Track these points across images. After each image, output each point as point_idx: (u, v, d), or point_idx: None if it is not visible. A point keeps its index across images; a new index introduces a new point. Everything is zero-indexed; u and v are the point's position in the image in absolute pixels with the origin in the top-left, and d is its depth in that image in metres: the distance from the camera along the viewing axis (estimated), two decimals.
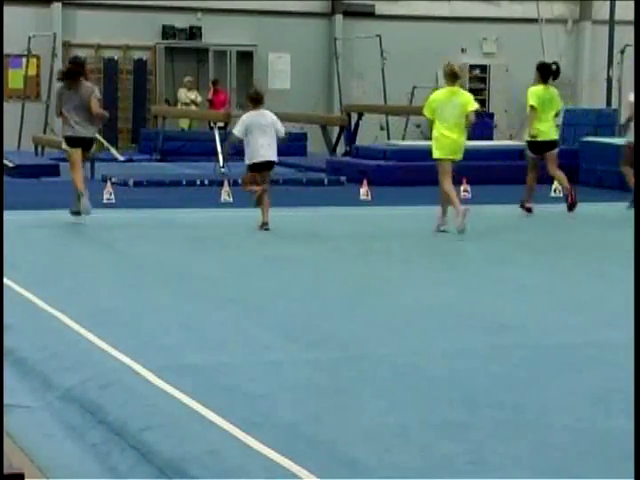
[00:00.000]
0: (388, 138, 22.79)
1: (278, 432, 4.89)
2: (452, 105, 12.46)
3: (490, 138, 23.69)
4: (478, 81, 26.86)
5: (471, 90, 26.59)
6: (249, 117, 12.24)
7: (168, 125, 23.22)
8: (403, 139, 23.22)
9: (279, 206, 14.53)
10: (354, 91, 25.54)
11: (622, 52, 24.01)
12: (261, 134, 12.09)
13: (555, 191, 16.08)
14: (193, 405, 5.30)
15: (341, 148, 22.38)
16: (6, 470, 3.36)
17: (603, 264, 10.33)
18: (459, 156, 12.60)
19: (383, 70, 24.04)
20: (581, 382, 5.87)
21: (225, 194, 14.88)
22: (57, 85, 13.37)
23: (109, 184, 14.81)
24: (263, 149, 12.13)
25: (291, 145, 23.02)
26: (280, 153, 21.13)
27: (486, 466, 4.53)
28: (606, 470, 4.50)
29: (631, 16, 24.95)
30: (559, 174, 14.39)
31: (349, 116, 22.79)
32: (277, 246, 11.23)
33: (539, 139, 14.07)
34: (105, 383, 5.73)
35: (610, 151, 17.78)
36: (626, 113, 15.72)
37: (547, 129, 14.11)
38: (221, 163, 18.69)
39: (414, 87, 24.95)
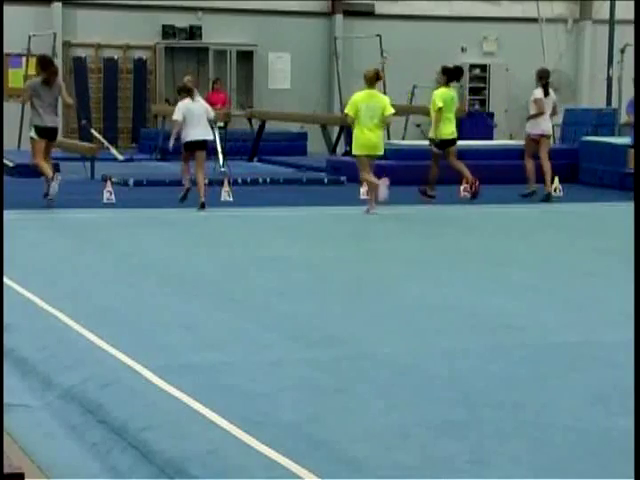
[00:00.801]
0: (388, 138, 22.77)
1: (278, 431, 4.89)
2: (371, 107, 13.88)
3: (490, 138, 23.69)
4: (478, 80, 26.84)
5: (471, 89, 26.82)
6: (185, 105, 14.06)
7: (168, 125, 23.14)
8: (403, 139, 23.22)
9: (280, 205, 14.58)
10: (354, 91, 25.48)
11: (622, 51, 24.00)
12: (195, 118, 13.94)
13: (556, 190, 16.09)
14: (193, 404, 5.30)
15: (341, 148, 22.35)
16: (6, 470, 3.36)
17: (603, 263, 10.32)
18: (377, 152, 14.15)
19: (383, 69, 23.99)
20: (580, 381, 5.87)
21: (225, 193, 14.88)
22: (34, 79, 14.33)
23: (109, 184, 14.78)
24: (196, 130, 13.97)
25: (291, 145, 23.11)
26: (280, 153, 21.12)
27: (485, 465, 4.53)
28: (605, 469, 4.50)
29: (631, 15, 24.94)
30: (460, 166, 15.40)
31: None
32: (277, 245, 11.23)
33: (447, 137, 15.23)
34: (105, 382, 5.73)
35: (610, 151, 17.80)
36: (532, 110, 15.86)
37: (453, 128, 15.38)
38: (221, 162, 18.68)
39: (414, 87, 24.96)
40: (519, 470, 4.47)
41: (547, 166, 15.64)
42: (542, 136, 15.84)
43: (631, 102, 15.97)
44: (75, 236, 11.80)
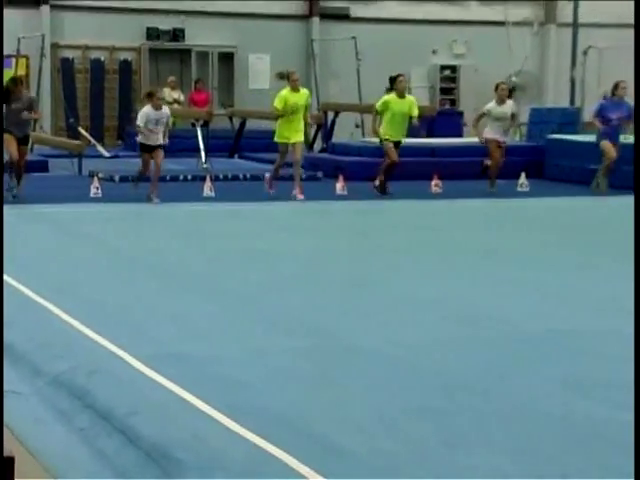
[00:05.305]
0: (363, 135, 22.75)
1: (261, 418, 4.85)
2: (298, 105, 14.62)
3: (460, 135, 23.68)
4: (449, 81, 26.83)
5: (442, 89, 26.81)
6: (148, 110, 14.07)
7: None
8: None
9: (260, 200, 14.53)
10: (330, 90, 25.43)
11: (585, 53, 24.07)
12: (155, 124, 14.04)
13: (522, 185, 16.11)
14: (179, 392, 5.26)
15: (318, 145, 22.33)
16: None
17: (584, 255, 10.29)
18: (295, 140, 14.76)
19: (358, 70, 23.98)
20: (555, 369, 5.83)
21: (207, 189, 14.82)
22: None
23: (96, 179, 14.75)
24: (155, 135, 14.05)
25: (270, 142, 22.99)
26: (260, 150, 21.10)
27: (462, 449, 4.51)
28: (577, 453, 4.48)
29: (594, 19, 25.06)
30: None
31: (326, 114, 22.77)
32: (259, 239, 11.17)
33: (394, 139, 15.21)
34: (93, 370, 5.68)
35: (574, 148, 17.83)
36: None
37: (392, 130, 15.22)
38: (203, 159, 18.61)
39: (387, 87, 24.91)
40: (494, 453, 4.44)
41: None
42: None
43: (601, 108, 15.88)
44: (63, 229, 11.72)
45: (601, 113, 15.63)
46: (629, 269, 9.34)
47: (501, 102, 15.81)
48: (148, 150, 14.20)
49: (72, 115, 22.69)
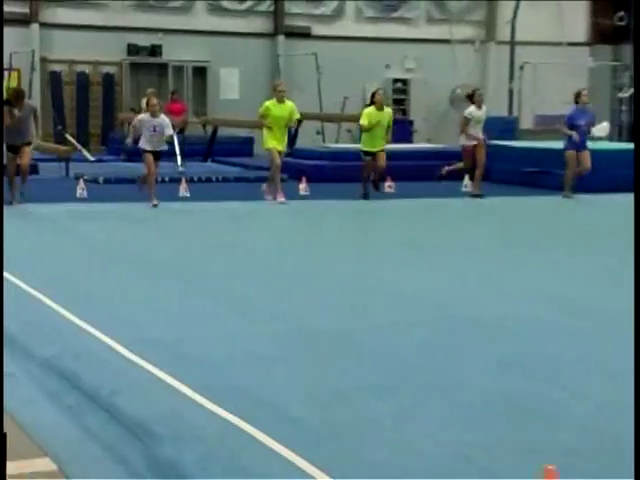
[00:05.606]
0: (323, 141, 22.77)
1: (230, 394, 4.87)
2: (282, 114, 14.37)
3: (410, 141, 23.77)
4: (400, 92, 26.87)
5: (394, 101, 26.81)
6: (145, 116, 13.79)
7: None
8: (336, 142, 23.19)
9: (230, 199, 14.50)
10: (295, 101, 25.43)
11: (521, 68, 24.21)
12: (153, 130, 13.61)
13: (465, 186, 16.18)
14: (157, 373, 5.26)
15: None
16: None
17: (518, 248, 10.34)
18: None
19: (319, 83, 23.98)
20: (491, 350, 5.89)
21: (183, 189, 14.79)
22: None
23: (82, 181, 14.66)
24: (155, 141, 13.66)
25: (240, 147, 22.99)
26: (231, 154, 21.04)
27: (408, 422, 4.54)
28: (505, 422, 4.54)
29: (528, 38, 25.20)
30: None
31: None
32: (230, 234, 11.17)
33: (371, 149, 14.86)
34: (78, 353, 5.67)
35: (513, 152, 17.94)
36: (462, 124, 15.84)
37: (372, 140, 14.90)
38: (179, 163, 18.55)
39: (345, 98, 24.95)
40: (437, 426, 4.48)
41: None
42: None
43: (570, 116, 15.45)
44: (52, 226, 11.66)
45: (571, 121, 15.20)
46: (557, 260, 9.45)
47: (479, 107, 15.71)
48: (151, 154, 13.75)
49: (60, 123, 22.53)
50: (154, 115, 13.74)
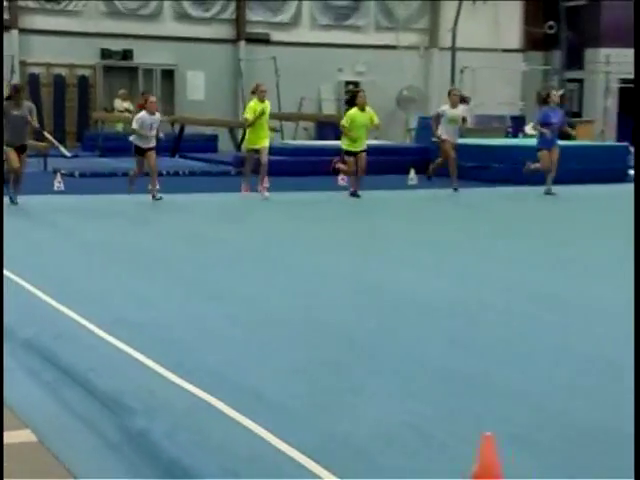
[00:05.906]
0: (282, 138, 22.69)
1: (199, 372, 4.82)
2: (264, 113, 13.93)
3: None
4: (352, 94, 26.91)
5: (346, 101, 26.80)
6: (144, 115, 13.35)
7: (106, 128, 22.89)
8: (294, 139, 23.14)
9: (196, 192, 14.40)
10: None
11: (462, 72, 24.33)
12: (150, 128, 13.30)
13: (411, 179, 16.19)
14: (131, 352, 5.20)
15: (244, 146, 22.20)
16: None
17: (468, 237, 10.28)
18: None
19: (277, 85, 23.89)
20: (443, 331, 5.85)
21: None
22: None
23: (59, 175, 14.49)
24: (148, 138, 13.34)
25: (205, 144, 22.87)
26: (197, 150, 20.88)
27: (363, 395, 4.52)
28: (453, 396, 4.53)
29: (469, 44, 25.28)
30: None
31: None
32: (197, 225, 11.06)
33: (352, 149, 14.39)
34: (58, 334, 5.59)
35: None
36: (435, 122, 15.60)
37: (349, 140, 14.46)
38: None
39: (302, 98, 24.93)
40: (390, 399, 4.46)
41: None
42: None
43: (544, 115, 14.87)
44: (31, 217, 11.49)
45: (545, 119, 14.85)
46: (507, 249, 9.45)
47: (454, 106, 15.31)
48: (141, 153, 13.38)
49: (38, 121, 22.19)
50: (151, 113, 13.39)
